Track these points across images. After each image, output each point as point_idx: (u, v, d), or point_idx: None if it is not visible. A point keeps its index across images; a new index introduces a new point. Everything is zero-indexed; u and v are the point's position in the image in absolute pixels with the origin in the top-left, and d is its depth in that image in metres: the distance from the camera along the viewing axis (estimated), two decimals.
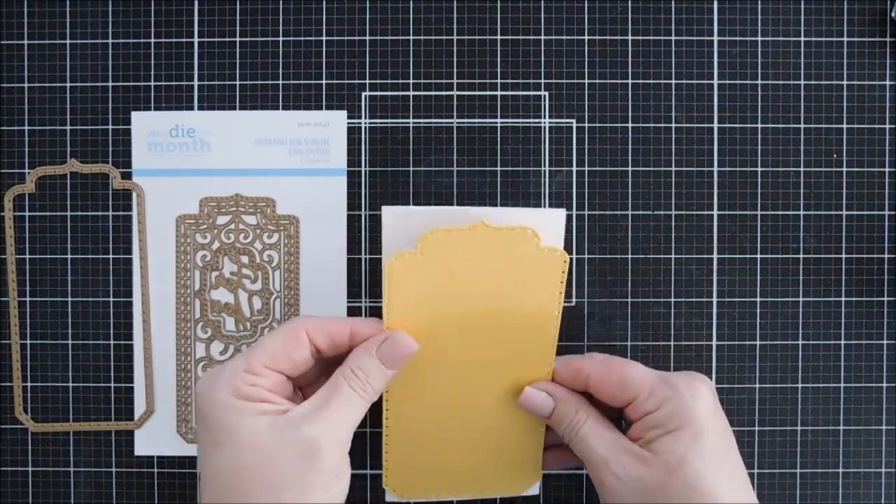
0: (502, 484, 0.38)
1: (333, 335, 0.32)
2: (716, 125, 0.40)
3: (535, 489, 0.38)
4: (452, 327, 0.34)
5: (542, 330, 0.35)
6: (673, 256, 0.40)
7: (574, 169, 0.40)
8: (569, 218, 0.40)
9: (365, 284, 0.40)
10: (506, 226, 0.33)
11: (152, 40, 0.41)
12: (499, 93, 0.40)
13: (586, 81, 0.40)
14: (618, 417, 0.35)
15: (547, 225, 0.34)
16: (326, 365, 0.34)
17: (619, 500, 0.31)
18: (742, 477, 0.32)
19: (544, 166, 0.40)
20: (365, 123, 0.41)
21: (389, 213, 0.34)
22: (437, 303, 0.34)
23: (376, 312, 0.39)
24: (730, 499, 0.30)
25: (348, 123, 0.40)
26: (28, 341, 0.41)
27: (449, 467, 0.37)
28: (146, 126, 0.41)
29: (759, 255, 0.40)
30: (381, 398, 0.36)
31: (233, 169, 0.40)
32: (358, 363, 0.32)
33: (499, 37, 0.41)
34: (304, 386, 0.35)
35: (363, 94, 0.41)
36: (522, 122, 0.40)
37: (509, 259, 0.33)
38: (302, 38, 0.41)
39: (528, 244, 0.33)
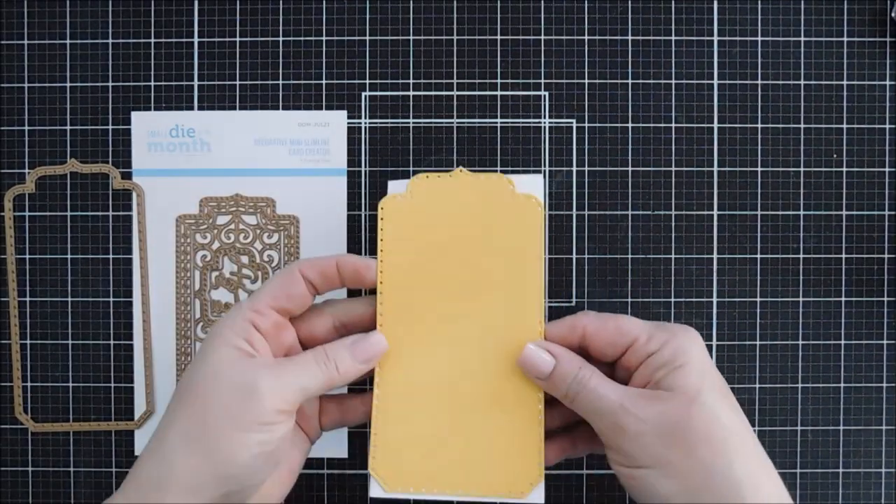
0: (501, 477, 0.34)
1: (322, 268, 0.34)
2: (716, 125, 0.40)
3: (538, 495, 0.34)
4: (440, 271, 0.35)
5: (528, 281, 0.35)
6: (673, 256, 0.40)
7: (574, 169, 0.40)
8: (568, 218, 0.40)
9: None
10: (483, 173, 0.36)
11: (152, 40, 0.41)
12: (499, 93, 0.40)
13: (586, 81, 0.40)
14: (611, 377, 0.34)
15: (525, 188, 0.35)
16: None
17: (642, 444, 0.30)
18: (742, 414, 0.32)
19: (544, 166, 0.40)
20: (365, 123, 0.41)
21: (394, 185, 0.36)
22: (425, 244, 0.35)
23: None
24: (742, 431, 0.31)
25: (348, 123, 0.40)
26: (28, 341, 0.41)
27: (440, 449, 0.35)
28: (146, 126, 0.41)
29: (759, 255, 0.40)
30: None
31: (233, 169, 0.40)
32: (333, 346, 0.33)
33: (499, 37, 0.41)
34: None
35: (363, 94, 0.41)
36: (522, 122, 0.40)
37: (487, 203, 0.35)
38: (302, 38, 0.41)
39: (503, 190, 0.35)
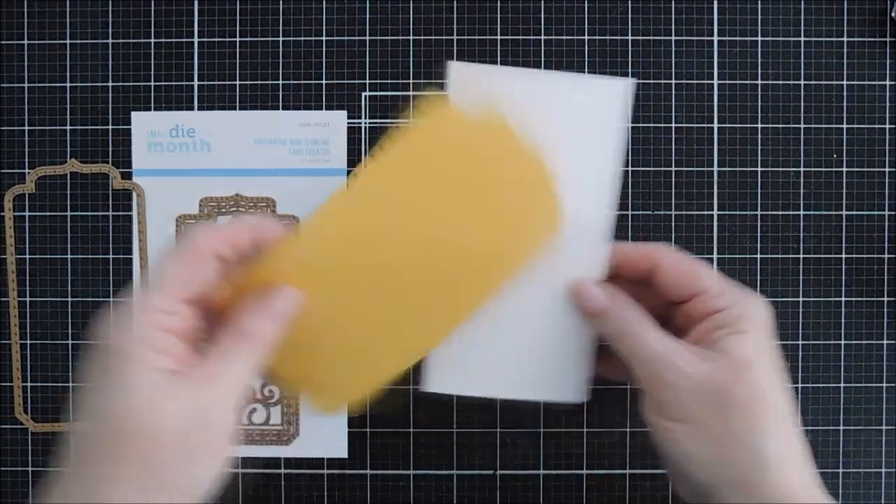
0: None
1: (233, 239, 0.30)
2: (716, 125, 0.40)
3: (582, 395, 0.35)
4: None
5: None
6: None
7: None
8: None
9: None
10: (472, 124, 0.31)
11: (152, 40, 0.41)
12: None
13: None
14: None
15: (602, 98, 0.33)
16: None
17: (679, 398, 0.30)
18: (790, 402, 0.31)
19: None
20: (365, 123, 0.41)
21: (456, 69, 0.33)
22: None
23: None
24: (785, 415, 0.30)
25: (348, 123, 0.40)
26: (28, 341, 0.41)
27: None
28: (146, 126, 0.41)
29: (759, 255, 0.40)
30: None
31: (233, 169, 0.40)
32: (247, 325, 0.29)
33: (499, 37, 0.41)
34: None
35: (363, 94, 0.41)
36: None
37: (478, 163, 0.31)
38: (302, 38, 0.41)
39: (502, 142, 0.31)
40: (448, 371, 0.34)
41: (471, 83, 0.33)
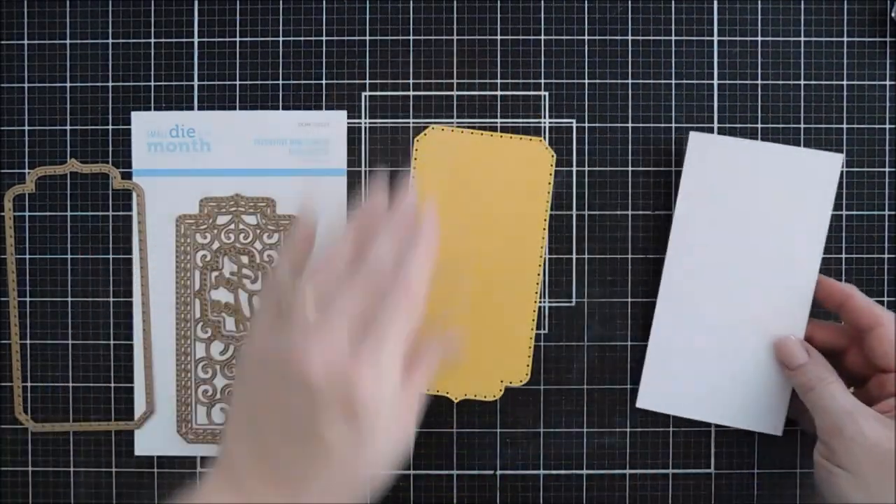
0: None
1: None
2: (716, 125, 0.40)
3: (779, 429, 0.39)
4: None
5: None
6: None
7: (574, 169, 0.40)
8: (568, 218, 0.40)
9: None
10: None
11: (152, 40, 0.41)
12: (499, 93, 0.40)
13: (586, 81, 0.40)
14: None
15: (817, 169, 0.37)
16: None
17: (851, 450, 0.33)
18: None
19: None
20: (365, 123, 0.41)
21: (696, 138, 0.38)
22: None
23: None
24: None
25: (348, 123, 0.40)
26: (28, 341, 0.41)
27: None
28: (146, 126, 0.41)
29: None
30: None
31: (233, 169, 0.40)
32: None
33: (499, 37, 0.41)
34: None
35: (363, 94, 0.41)
36: (522, 123, 0.40)
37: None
38: (302, 38, 0.41)
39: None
40: (659, 392, 0.40)
41: (707, 151, 0.38)
